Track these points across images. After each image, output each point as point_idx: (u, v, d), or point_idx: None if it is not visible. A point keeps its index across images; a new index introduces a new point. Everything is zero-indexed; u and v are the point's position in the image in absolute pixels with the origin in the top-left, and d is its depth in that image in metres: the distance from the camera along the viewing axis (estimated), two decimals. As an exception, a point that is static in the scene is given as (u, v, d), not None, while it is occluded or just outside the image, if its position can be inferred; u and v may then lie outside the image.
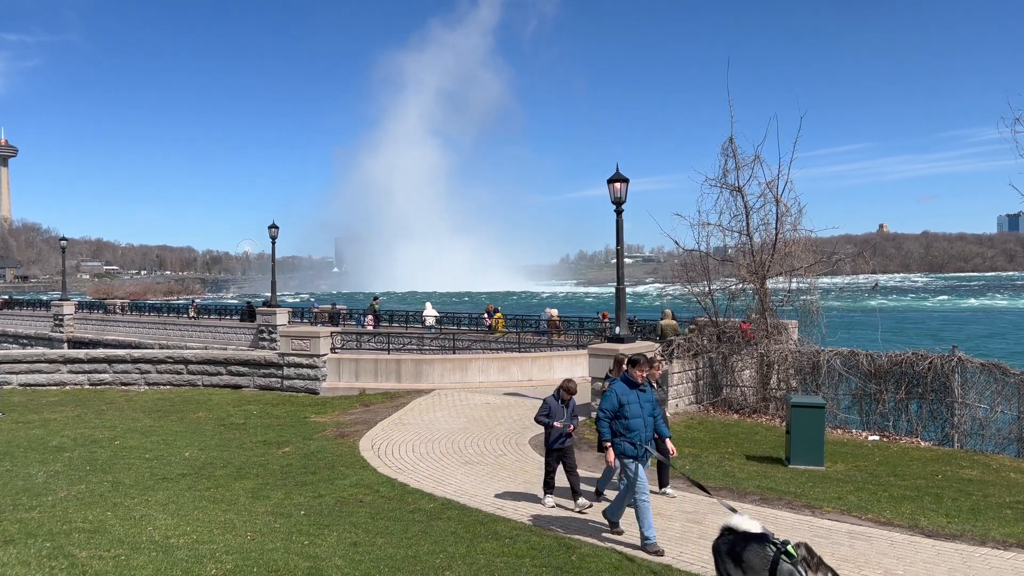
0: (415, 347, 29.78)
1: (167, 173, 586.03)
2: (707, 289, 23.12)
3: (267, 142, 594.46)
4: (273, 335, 40.38)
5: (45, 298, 78.58)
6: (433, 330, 38.04)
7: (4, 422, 19.71)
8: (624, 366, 10.75)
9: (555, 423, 11.74)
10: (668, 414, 20.46)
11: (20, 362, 26.38)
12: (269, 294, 45.01)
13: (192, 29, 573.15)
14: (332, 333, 26.40)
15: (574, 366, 25.38)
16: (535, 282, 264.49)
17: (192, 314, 52.45)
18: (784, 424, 17.30)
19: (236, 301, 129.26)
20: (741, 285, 22.85)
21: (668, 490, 12.49)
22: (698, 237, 23.20)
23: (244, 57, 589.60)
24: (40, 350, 35.53)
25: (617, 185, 19.47)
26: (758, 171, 22.41)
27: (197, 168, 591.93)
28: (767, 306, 22.27)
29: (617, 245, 20.02)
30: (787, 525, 10.75)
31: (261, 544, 9.13)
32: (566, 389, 12.07)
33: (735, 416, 21.03)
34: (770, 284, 22.55)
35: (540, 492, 12.02)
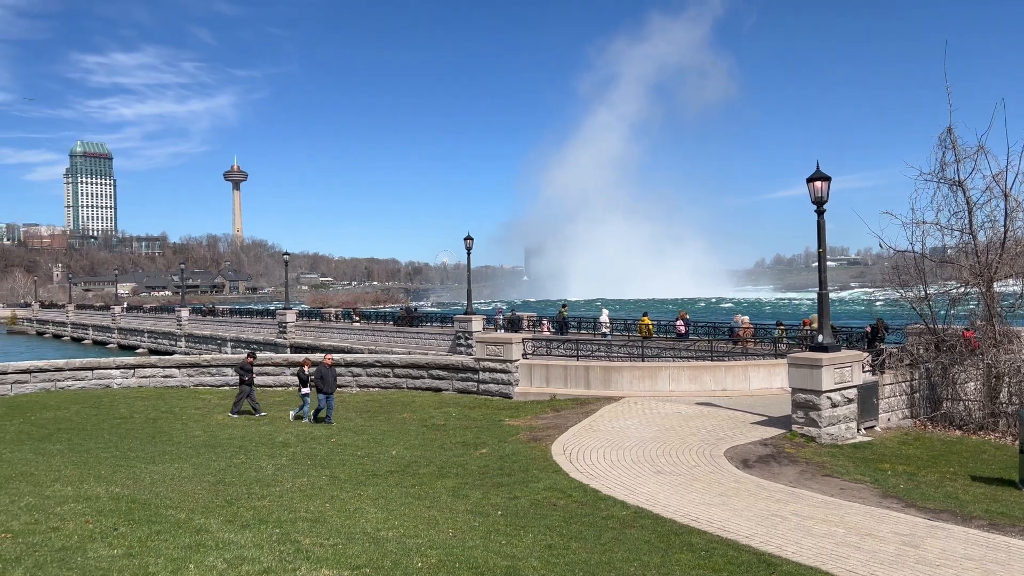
0: (603, 354, 29.82)
1: (374, 190, 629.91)
2: (923, 293, 21.27)
3: (465, 155, 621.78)
4: (469, 341, 42.15)
5: (271, 308, 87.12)
6: (608, 336, 37.93)
7: (239, 419, 22.14)
8: None
9: None
10: (879, 428, 19.07)
11: (252, 364, 29.50)
12: (465, 302, 47.07)
13: (390, 50, 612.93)
14: (523, 339, 27.11)
15: (771, 376, 24.26)
16: (728, 287, 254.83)
17: (400, 313, 56.11)
18: (1017, 442, 15.50)
19: (435, 309, 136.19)
20: (963, 289, 20.80)
21: None
22: (911, 237, 21.44)
23: (438, 75, 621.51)
24: (267, 354, 39.46)
25: (818, 184, 18.43)
26: (982, 163, 20.39)
27: (400, 185, 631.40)
28: (995, 311, 20.11)
29: (819, 247, 18.91)
30: (1022, 555, 9.63)
31: (462, 541, 9.58)
32: None
33: (957, 432, 19.15)
34: (998, 287, 20.34)
35: (736, 504, 11.61)
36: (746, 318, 34.99)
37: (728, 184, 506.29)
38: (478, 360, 26.13)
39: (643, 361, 26.70)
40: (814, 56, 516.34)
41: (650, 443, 17.09)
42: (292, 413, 22.30)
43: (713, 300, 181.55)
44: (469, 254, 46.35)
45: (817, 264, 19.28)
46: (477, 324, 44.27)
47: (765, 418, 19.53)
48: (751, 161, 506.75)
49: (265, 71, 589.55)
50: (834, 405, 17.77)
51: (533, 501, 12.46)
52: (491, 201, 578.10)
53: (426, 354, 37.65)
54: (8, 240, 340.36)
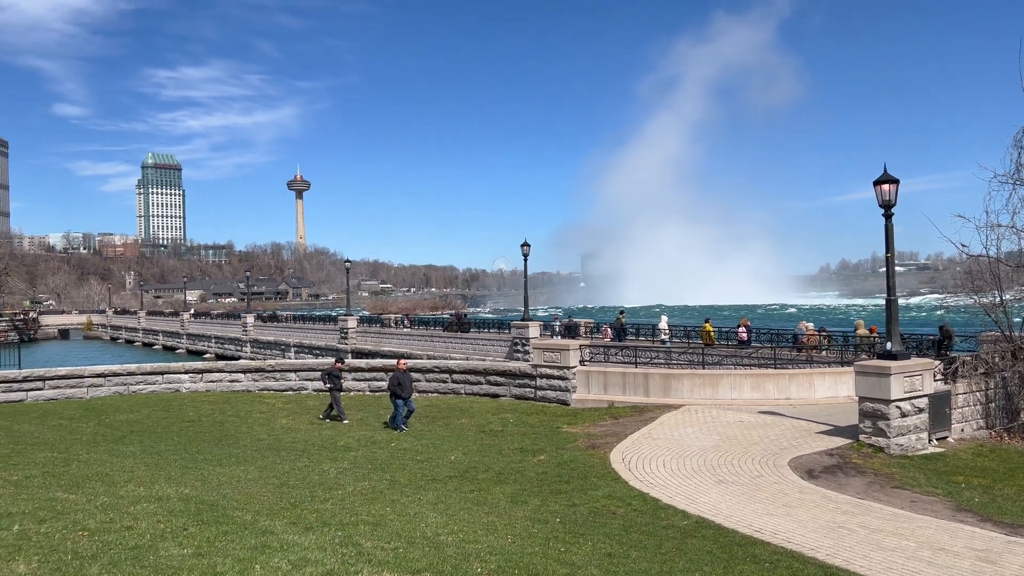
0: (662, 361, 29.46)
1: (432, 198, 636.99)
2: (998, 299, 20.42)
3: (522, 162, 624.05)
4: (526, 347, 42.18)
5: (333, 314, 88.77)
6: (668, 343, 37.46)
7: (301, 423, 22.60)
8: None
9: None
10: (951, 439, 18.37)
11: (314, 370, 30.12)
12: (522, 308, 47.15)
13: (446, 60, 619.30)
14: (580, 346, 27.00)
15: (837, 384, 23.61)
16: (791, 293, 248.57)
17: (451, 319, 56.67)
18: (1104, 457, 14.73)
19: (491, 315, 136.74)
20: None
21: None
22: (986, 241, 20.68)
23: (495, 83, 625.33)
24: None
25: (885, 187, 17.91)
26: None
27: (458, 192, 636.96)
28: (1077, 319, 19.15)
29: (887, 252, 18.35)
30: (1111, 577, 9.15)
31: (521, 547, 9.58)
32: None
33: (1037, 445, 18.30)
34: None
35: (801, 515, 11.32)
36: (810, 324, 34.13)
37: (792, 187, 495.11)
38: (535, 366, 26.13)
39: (704, 368, 26.29)
40: (882, 56, 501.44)
41: (711, 452, 16.82)
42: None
43: (776, 306, 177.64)
44: (526, 260, 46.46)
45: (885, 269, 18.72)
46: (534, 330, 44.28)
47: (831, 428, 19.02)
48: (816, 164, 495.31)
49: (327, 82, 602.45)
50: (904, 415, 17.20)
51: (592, 509, 12.38)
52: (547, 207, 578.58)
53: (483, 360, 37.82)
54: (85, 249, 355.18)
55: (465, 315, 59.67)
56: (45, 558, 7.71)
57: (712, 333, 35.78)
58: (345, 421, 22.64)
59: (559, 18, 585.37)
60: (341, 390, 23.60)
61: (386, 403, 26.05)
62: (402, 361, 23.32)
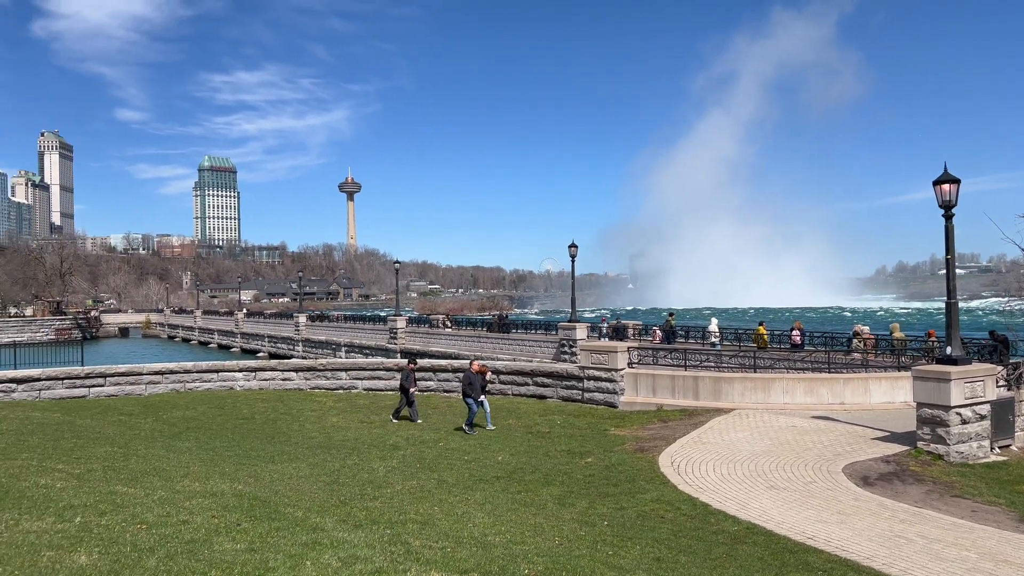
0: (712, 364, 29.07)
1: (481, 200, 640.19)
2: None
3: (570, 163, 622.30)
4: (573, 349, 42.07)
5: (382, 314, 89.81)
6: (717, 346, 36.96)
7: (351, 421, 22.87)
8: None
9: None
10: (1015, 448, 17.73)
11: (364, 370, 30.51)
12: (569, 310, 47.04)
13: (494, 62, 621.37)
14: (628, 348, 26.78)
15: (894, 389, 22.99)
16: (845, 296, 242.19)
17: (492, 320, 56.85)
18: None
19: (539, 316, 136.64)
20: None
21: None
22: (1053, 242, 19.81)
23: (542, 85, 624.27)
24: (378, 359, 40.64)
25: (945, 187, 17.39)
26: None
27: (506, 194, 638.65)
28: None
29: (947, 254, 17.81)
30: None
31: (568, 550, 9.54)
32: None
33: (1109, 456, 17.51)
34: None
35: (856, 523, 11.04)
36: (866, 328, 33.33)
37: (849, 187, 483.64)
38: (583, 368, 26.02)
39: (755, 372, 25.86)
40: (943, 53, 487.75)
41: (762, 457, 16.52)
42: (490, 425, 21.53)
43: (834, 308, 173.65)
44: (573, 262, 46.37)
45: (945, 272, 18.16)
46: (581, 332, 44.13)
47: (887, 434, 18.52)
48: (873, 163, 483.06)
49: (376, 85, 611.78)
50: (964, 422, 16.66)
51: (640, 512, 12.27)
52: (595, 209, 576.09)
53: (530, 361, 37.80)
54: (144, 250, 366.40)
55: (507, 316, 60.09)
56: (105, 550, 7.94)
57: (765, 336, 35.18)
58: (418, 421, 22.27)
59: (610, 18, 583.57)
60: (412, 390, 22.87)
61: (433, 403, 26.26)
62: (476, 362, 22.87)
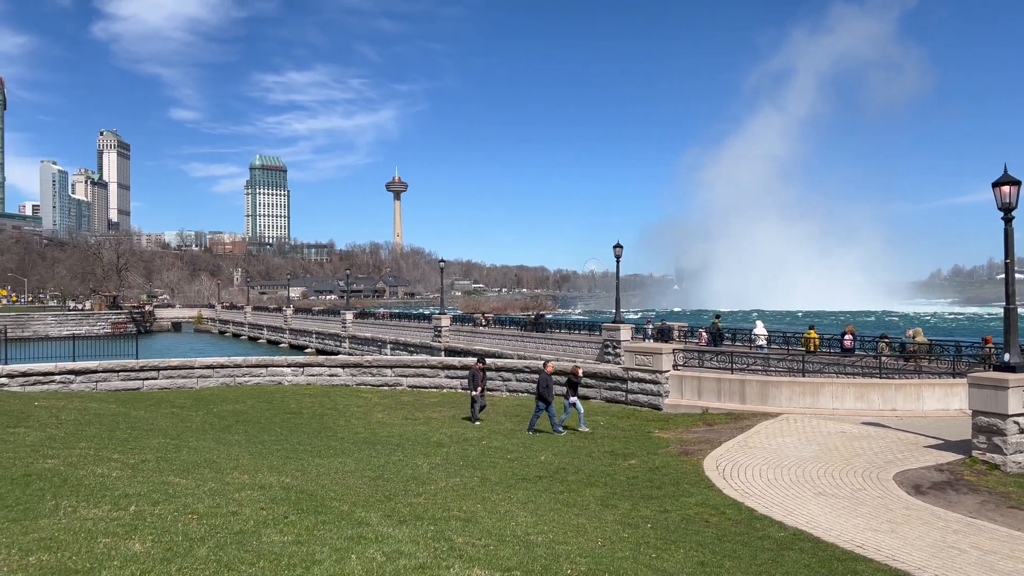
0: (759, 368, 28.62)
1: (525, 199, 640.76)
2: None
3: (616, 164, 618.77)
4: (617, 350, 41.82)
5: (427, 312, 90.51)
6: (765, 349, 36.31)
7: (396, 418, 23.10)
8: None
9: None
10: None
11: (409, 367, 30.81)
12: (613, 311, 46.76)
13: (540, 61, 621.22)
14: (674, 350, 26.53)
15: (948, 396, 22.37)
16: (899, 300, 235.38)
17: (528, 319, 57.03)
18: None
19: (583, 317, 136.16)
20: None
21: None
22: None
23: (589, 84, 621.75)
24: (423, 357, 41.02)
25: (1005, 188, 16.87)
26: None
27: (550, 193, 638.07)
28: None
29: (1006, 258, 17.28)
30: None
31: (611, 551, 9.50)
32: None
33: None
34: None
35: (907, 532, 10.78)
36: (918, 331, 32.41)
37: (904, 188, 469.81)
38: (627, 369, 25.86)
39: (804, 376, 25.40)
40: (1006, 52, 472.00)
41: (810, 463, 16.23)
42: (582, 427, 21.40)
43: (889, 312, 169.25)
44: (618, 262, 46.03)
45: (1004, 276, 17.63)
46: (625, 333, 43.83)
47: (940, 442, 18.03)
48: (930, 164, 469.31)
49: (424, 85, 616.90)
50: (1022, 431, 16.13)
51: (684, 516, 12.16)
52: (640, 209, 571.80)
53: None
54: (196, 247, 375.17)
55: (543, 315, 60.92)
56: (158, 538, 8.16)
57: (816, 340, 34.50)
58: (476, 423, 22.25)
59: (660, 17, 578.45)
60: (476, 390, 22.85)
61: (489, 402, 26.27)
62: (550, 364, 22.67)
